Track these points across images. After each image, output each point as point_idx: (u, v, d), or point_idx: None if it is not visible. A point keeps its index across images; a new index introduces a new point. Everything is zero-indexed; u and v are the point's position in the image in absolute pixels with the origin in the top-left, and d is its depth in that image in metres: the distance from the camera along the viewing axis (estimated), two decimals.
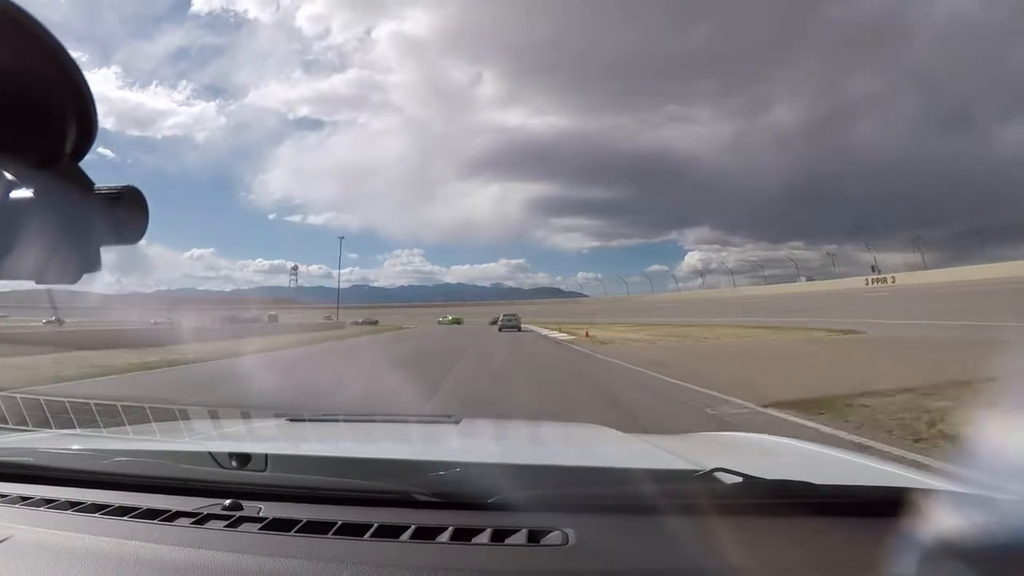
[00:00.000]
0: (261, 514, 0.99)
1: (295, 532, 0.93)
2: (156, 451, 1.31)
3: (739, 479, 0.97)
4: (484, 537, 0.90)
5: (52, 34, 0.42)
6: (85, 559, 0.86)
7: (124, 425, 1.82)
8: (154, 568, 0.84)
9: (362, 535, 0.91)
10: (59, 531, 0.96)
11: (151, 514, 1.00)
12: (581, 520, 0.93)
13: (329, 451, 1.43)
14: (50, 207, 0.48)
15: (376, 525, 0.93)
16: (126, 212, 0.51)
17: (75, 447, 1.38)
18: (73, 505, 1.06)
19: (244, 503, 1.03)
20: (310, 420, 1.82)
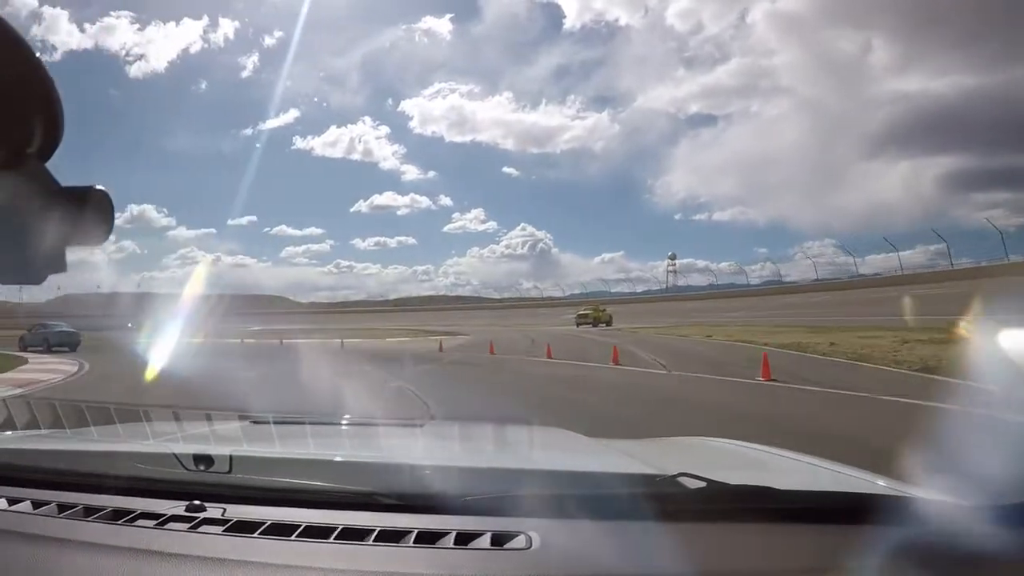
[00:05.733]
0: (225, 516, 0.99)
1: (259, 534, 0.92)
2: (120, 452, 1.29)
3: (702, 484, 0.98)
4: (448, 540, 0.90)
5: (18, 32, 0.41)
6: (47, 561, 0.85)
7: (88, 426, 1.78)
8: (115, 570, 0.83)
9: (327, 537, 0.91)
10: (22, 532, 0.94)
11: (114, 515, 0.99)
12: (545, 524, 0.93)
13: (294, 453, 1.42)
14: (16, 207, 0.48)
15: (341, 527, 0.93)
16: (92, 213, 0.51)
17: (39, 448, 1.36)
18: (37, 506, 1.04)
19: (208, 505, 1.02)
20: (274, 422, 1.81)
